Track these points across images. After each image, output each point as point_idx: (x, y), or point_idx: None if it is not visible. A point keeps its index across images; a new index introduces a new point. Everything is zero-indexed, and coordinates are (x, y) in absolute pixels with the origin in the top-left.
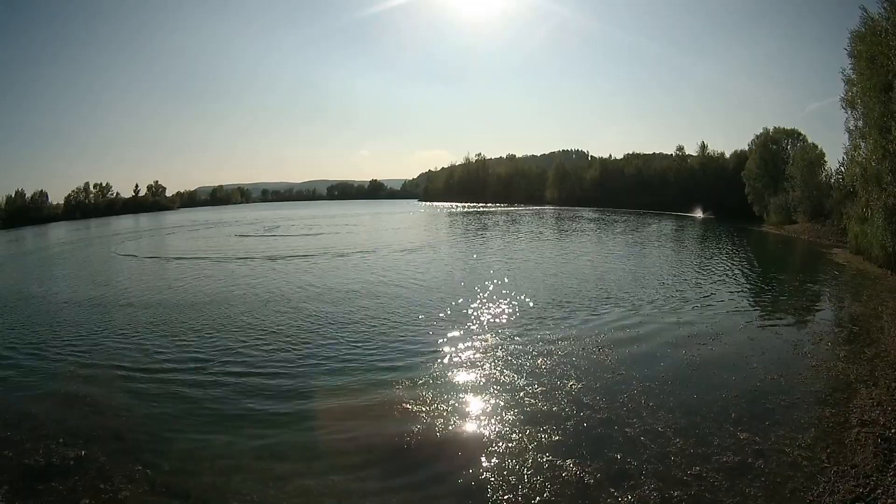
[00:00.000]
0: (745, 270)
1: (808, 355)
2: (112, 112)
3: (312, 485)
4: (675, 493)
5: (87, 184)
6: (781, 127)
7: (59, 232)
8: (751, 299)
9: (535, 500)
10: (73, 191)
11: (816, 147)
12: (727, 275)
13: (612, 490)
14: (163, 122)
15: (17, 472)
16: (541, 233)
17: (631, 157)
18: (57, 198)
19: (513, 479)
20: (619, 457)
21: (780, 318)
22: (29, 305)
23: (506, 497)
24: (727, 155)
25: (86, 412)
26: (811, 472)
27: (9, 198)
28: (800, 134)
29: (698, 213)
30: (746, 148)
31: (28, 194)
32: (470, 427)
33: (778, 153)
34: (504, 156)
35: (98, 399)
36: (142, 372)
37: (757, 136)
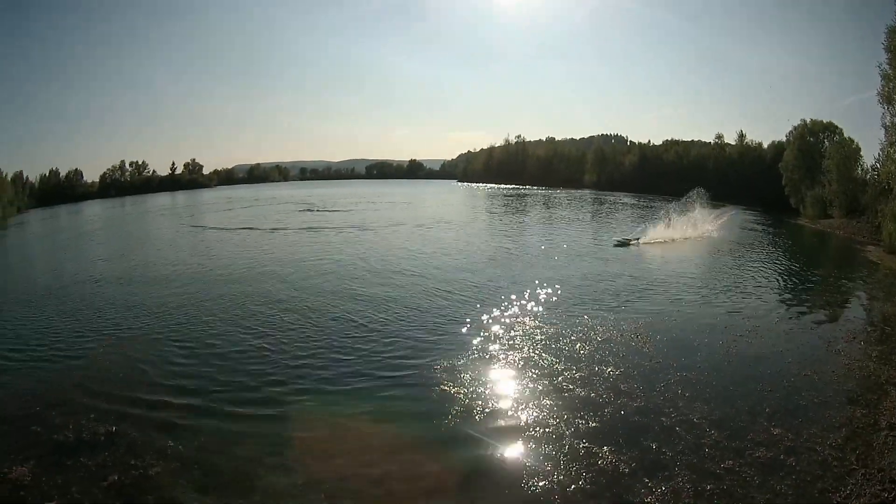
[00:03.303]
0: (781, 264)
1: (841, 353)
2: (148, 90)
3: (345, 464)
4: (708, 487)
5: (122, 162)
6: (819, 120)
7: (94, 209)
8: (786, 293)
9: (570, 487)
10: (108, 169)
11: (852, 141)
12: (763, 267)
13: (647, 480)
14: (200, 99)
15: (46, 448)
16: (580, 218)
17: (670, 144)
18: (92, 176)
19: (549, 465)
20: (654, 446)
21: (815, 314)
22: (81, 280)
23: (541, 483)
24: (765, 145)
25: (118, 389)
26: (840, 472)
27: (43, 177)
28: (836, 127)
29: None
30: (784, 139)
31: (63, 173)
32: (508, 411)
33: (815, 146)
34: (543, 138)
35: (132, 376)
36: (178, 349)
37: (795, 128)
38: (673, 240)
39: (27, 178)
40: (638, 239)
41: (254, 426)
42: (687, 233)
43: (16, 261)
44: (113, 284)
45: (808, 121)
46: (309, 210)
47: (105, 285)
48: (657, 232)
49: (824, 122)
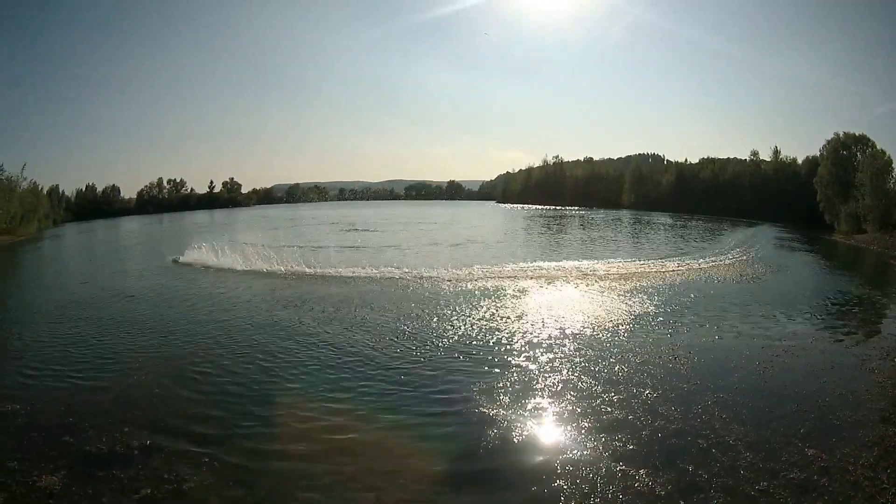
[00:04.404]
0: (814, 281)
1: (875, 371)
2: (188, 109)
3: (384, 485)
4: None
5: (160, 179)
6: (851, 133)
7: (131, 224)
8: (820, 311)
9: None
10: (146, 185)
11: (884, 153)
12: (796, 285)
13: (682, 502)
14: (239, 119)
15: (76, 458)
16: (616, 238)
17: (706, 162)
18: (129, 193)
19: (586, 487)
20: (690, 469)
21: (848, 332)
22: (119, 294)
23: None
24: (799, 161)
25: (154, 402)
26: (871, 493)
27: (79, 192)
28: (868, 140)
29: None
30: (818, 153)
31: (99, 188)
32: (547, 433)
33: (848, 160)
34: (581, 158)
35: (168, 390)
36: (217, 363)
37: (828, 142)
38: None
39: (63, 192)
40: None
41: (292, 443)
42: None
43: (51, 272)
44: (151, 299)
45: (840, 134)
46: (349, 230)
47: (142, 301)
48: None
49: (856, 134)
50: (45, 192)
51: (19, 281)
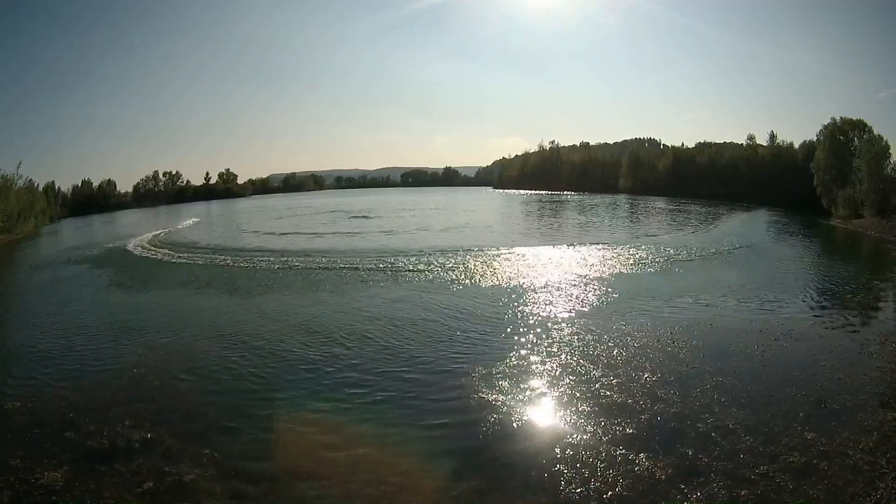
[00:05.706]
0: (811, 266)
1: (874, 356)
2: (183, 103)
3: (384, 474)
4: (743, 493)
5: (155, 172)
6: (848, 118)
7: (128, 218)
8: (818, 296)
9: (606, 493)
10: (141, 179)
11: (882, 139)
12: (794, 270)
13: (682, 486)
14: (235, 111)
15: (79, 453)
16: (614, 223)
17: (703, 146)
18: (126, 187)
19: (586, 471)
20: (690, 453)
21: (847, 317)
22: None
23: (578, 490)
24: (796, 145)
25: (155, 396)
26: (871, 477)
27: (75, 187)
28: (866, 125)
29: None
30: (815, 138)
31: (95, 183)
32: (546, 418)
33: (846, 144)
34: (578, 143)
35: (168, 384)
36: (217, 357)
37: (825, 127)
38: None
39: (59, 188)
40: None
41: (292, 437)
42: None
43: (49, 270)
44: (150, 295)
45: (837, 119)
46: (346, 217)
47: (141, 297)
48: None
49: (854, 119)
50: (41, 189)
51: (17, 281)
